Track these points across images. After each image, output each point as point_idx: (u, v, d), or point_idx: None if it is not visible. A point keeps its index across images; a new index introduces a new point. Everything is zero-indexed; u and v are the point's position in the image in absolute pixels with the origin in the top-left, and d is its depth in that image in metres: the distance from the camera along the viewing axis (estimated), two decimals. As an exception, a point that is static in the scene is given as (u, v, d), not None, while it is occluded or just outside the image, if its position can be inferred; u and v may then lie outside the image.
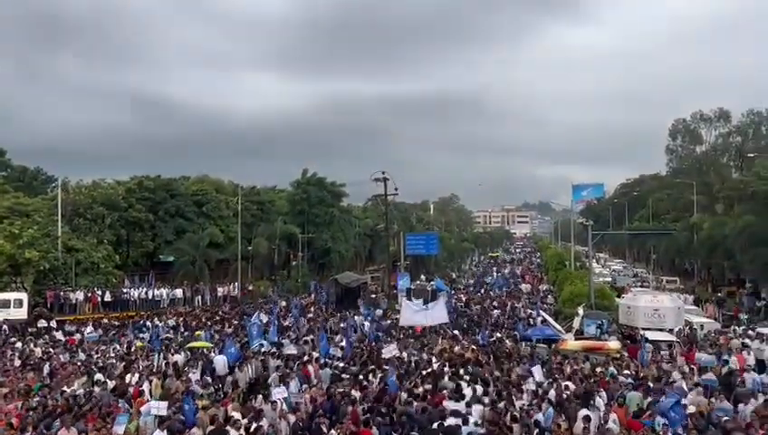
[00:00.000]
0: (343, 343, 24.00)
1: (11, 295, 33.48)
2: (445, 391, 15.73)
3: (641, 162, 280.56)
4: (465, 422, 12.48)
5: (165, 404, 14.37)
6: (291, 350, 22.42)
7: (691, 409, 15.10)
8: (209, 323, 31.90)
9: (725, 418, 14.04)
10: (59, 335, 28.13)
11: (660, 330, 26.50)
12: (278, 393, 15.05)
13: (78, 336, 27.29)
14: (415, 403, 14.56)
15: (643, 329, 26.60)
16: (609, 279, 54.24)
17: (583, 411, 13.85)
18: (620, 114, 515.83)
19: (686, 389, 17.05)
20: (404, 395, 15.52)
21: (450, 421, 12.28)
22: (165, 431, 12.66)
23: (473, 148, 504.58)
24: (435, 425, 11.90)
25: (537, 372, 18.23)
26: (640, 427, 13.54)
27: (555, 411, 13.97)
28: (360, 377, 17.79)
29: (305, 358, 20.71)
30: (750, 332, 27.72)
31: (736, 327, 29.65)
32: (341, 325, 30.53)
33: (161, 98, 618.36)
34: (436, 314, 27.38)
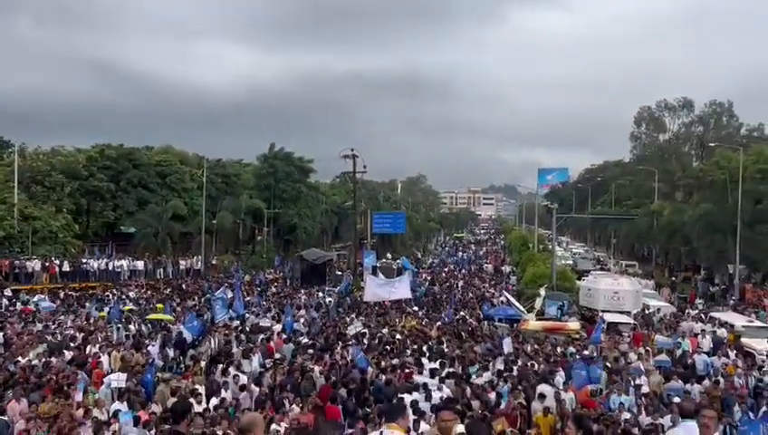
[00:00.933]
0: (304, 319, 24.07)
1: (-37, 263, 32.49)
2: (413, 367, 15.92)
3: (606, 148, 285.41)
4: (429, 398, 12.60)
5: (124, 376, 14.22)
6: (265, 322, 22.37)
7: (645, 389, 15.63)
8: (171, 296, 31.49)
9: (676, 398, 14.52)
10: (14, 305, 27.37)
11: (619, 312, 27.17)
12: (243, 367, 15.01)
13: (33, 306, 26.56)
14: (383, 377, 14.68)
15: (602, 311, 27.25)
16: (571, 262, 55.28)
17: (541, 388, 14.18)
18: (588, 100, 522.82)
19: (642, 369, 17.59)
20: (371, 370, 15.65)
21: (416, 396, 12.38)
22: (125, 403, 12.47)
23: (441, 129, 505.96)
24: (395, 400, 11.97)
25: (507, 344, 18.72)
26: (595, 405, 13.87)
27: (516, 389, 14.21)
28: (324, 352, 17.84)
29: (268, 333, 20.71)
30: (702, 316, 28.70)
31: (691, 311, 30.60)
32: (304, 301, 30.54)
33: (125, 66, 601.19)
34: (400, 290, 27.62)
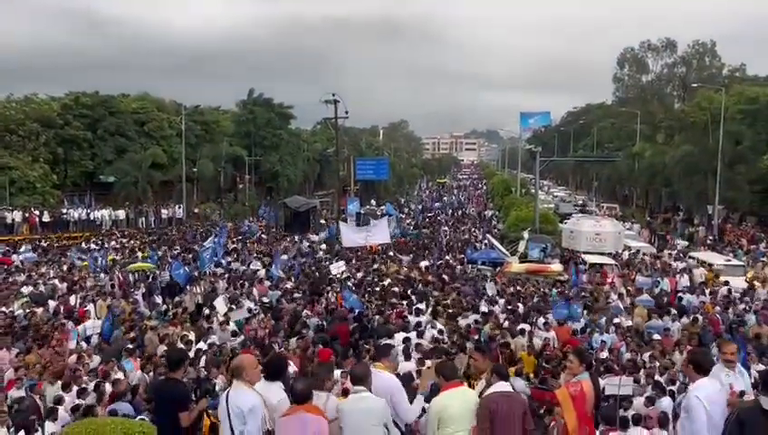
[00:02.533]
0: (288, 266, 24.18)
1: (-61, 215, 31.92)
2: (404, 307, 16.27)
3: (589, 91, 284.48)
4: (421, 336, 12.93)
5: (99, 323, 14.26)
6: (257, 266, 22.38)
7: (627, 323, 16.08)
8: (154, 244, 31.32)
9: (656, 335, 14.94)
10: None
11: (600, 253, 27.60)
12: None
13: (15, 257, 26.28)
14: (377, 317, 14.99)
15: (584, 253, 27.66)
16: (553, 206, 55.77)
17: (522, 327, 14.56)
18: (571, 43, 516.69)
19: (621, 308, 18.02)
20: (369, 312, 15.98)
21: (411, 335, 12.71)
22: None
23: (421, 74, 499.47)
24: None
25: (490, 288, 19.08)
26: (577, 343, 14.21)
27: (500, 329, 14.48)
28: (315, 296, 18.12)
29: (254, 279, 20.81)
30: (681, 255, 29.28)
31: (670, 251, 31.16)
32: (287, 248, 30.59)
33: (94, 12, 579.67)
34: (377, 235, 27.56)
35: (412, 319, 14.83)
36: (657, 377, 11.16)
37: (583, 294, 20.36)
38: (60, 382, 10.35)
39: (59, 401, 9.58)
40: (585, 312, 17.10)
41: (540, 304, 18.05)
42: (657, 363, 12.04)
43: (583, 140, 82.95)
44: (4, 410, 9.06)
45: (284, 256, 26.42)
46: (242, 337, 14.17)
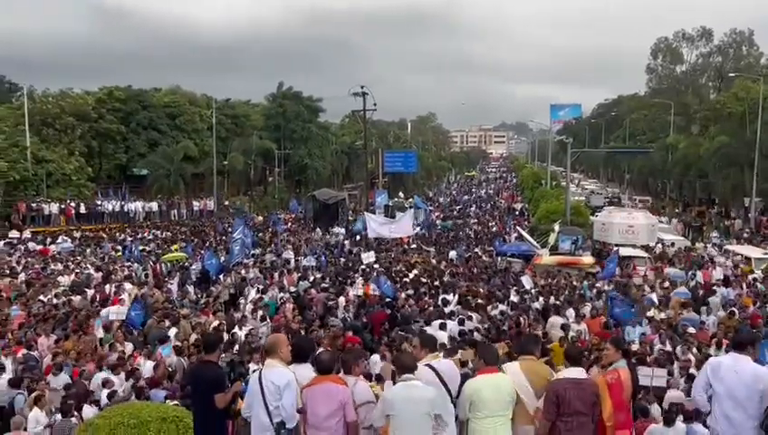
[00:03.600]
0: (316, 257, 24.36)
1: (-21, 205, 32.85)
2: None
3: (620, 83, 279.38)
4: (462, 323, 12.98)
5: (124, 309, 14.50)
6: (289, 255, 22.84)
7: (661, 316, 15.76)
8: (188, 236, 31.84)
9: (691, 329, 14.63)
10: (32, 246, 27.74)
11: (633, 246, 27.15)
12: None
13: (52, 247, 26.93)
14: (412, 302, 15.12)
15: (616, 245, 27.23)
16: (583, 199, 55.01)
17: (553, 320, 14.42)
18: (602, 33, 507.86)
19: (655, 301, 17.68)
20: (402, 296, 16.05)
21: (449, 323, 12.80)
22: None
23: (450, 66, 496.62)
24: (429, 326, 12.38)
25: (527, 281, 19.00)
26: (609, 336, 14.00)
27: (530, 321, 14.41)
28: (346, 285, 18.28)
29: (281, 269, 21.03)
30: (716, 249, 28.66)
31: (705, 244, 30.54)
32: (316, 239, 30.82)
33: (125, 8, 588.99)
34: (401, 228, 27.85)
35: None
36: (691, 370, 10.94)
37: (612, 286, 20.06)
38: (91, 368, 10.60)
39: (105, 383, 9.82)
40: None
41: (572, 296, 17.86)
42: (692, 357, 11.80)
43: (615, 132, 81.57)
44: (44, 394, 9.35)
45: (311, 248, 26.65)
46: (271, 324, 14.38)
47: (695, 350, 12.37)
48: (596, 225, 31.62)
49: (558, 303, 16.78)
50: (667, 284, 20.08)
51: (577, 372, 5.70)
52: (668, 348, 12.73)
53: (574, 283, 20.63)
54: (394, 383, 5.81)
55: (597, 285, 20.19)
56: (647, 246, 28.27)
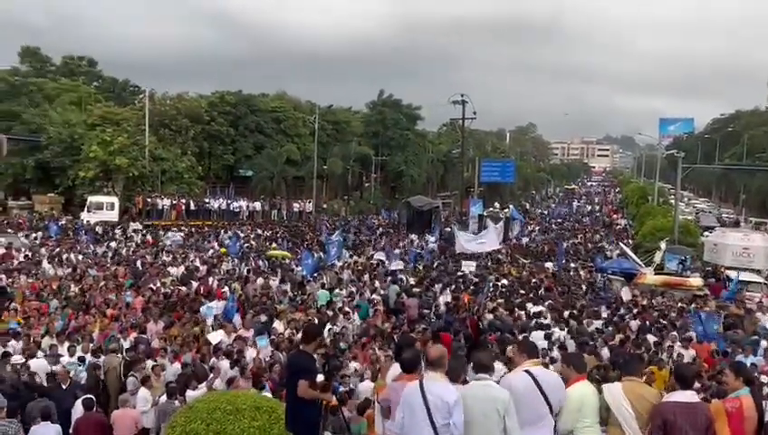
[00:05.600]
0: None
1: (104, 199, 35.69)
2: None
3: (736, 97, 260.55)
4: (548, 337, 12.66)
5: (222, 304, 15.17)
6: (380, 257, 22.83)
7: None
8: (288, 235, 32.99)
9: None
10: (147, 237, 29.70)
11: (748, 270, 25.26)
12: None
13: (165, 241, 28.67)
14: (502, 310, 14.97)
15: (728, 268, 25.48)
16: (692, 218, 51.85)
17: (652, 338, 13.74)
18: (718, 44, 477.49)
19: (770, 329, 16.36)
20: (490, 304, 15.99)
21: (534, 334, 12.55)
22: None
23: (553, 75, 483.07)
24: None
25: (625, 293, 18.84)
26: (718, 362, 13.11)
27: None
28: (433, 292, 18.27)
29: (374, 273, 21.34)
30: None
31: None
32: (406, 245, 30.97)
33: (240, 16, 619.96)
34: (489, 242, 27.44)
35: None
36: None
37: (727, 312, 18.74)
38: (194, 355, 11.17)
39: (211, 369, 10.35)
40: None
41: (678, 319, 16.89)
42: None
43: (731, 149, 76.21)
44: (149, 375, 9.98)
45: (398, 251, 26.83)
46: (362, 324, 14.69)
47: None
48: (707, 245, 29.72)
49: (660, 324, 15.94)
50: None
51: (688, 396, 5.32)
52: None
53: (680, 304, 19.47)
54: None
55: (705, 308, 18.96)
56: (764, 270, 26.23)
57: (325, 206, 51.63)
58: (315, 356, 6.79)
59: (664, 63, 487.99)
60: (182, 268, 21.07)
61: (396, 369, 5.75)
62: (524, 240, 37.40)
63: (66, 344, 11.76)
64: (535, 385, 5.30)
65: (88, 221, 32.48)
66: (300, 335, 9.15)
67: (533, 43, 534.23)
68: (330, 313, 15.53)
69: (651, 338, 14.05)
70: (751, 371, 12.38)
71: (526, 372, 5.43)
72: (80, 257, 22.38)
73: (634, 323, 15.65)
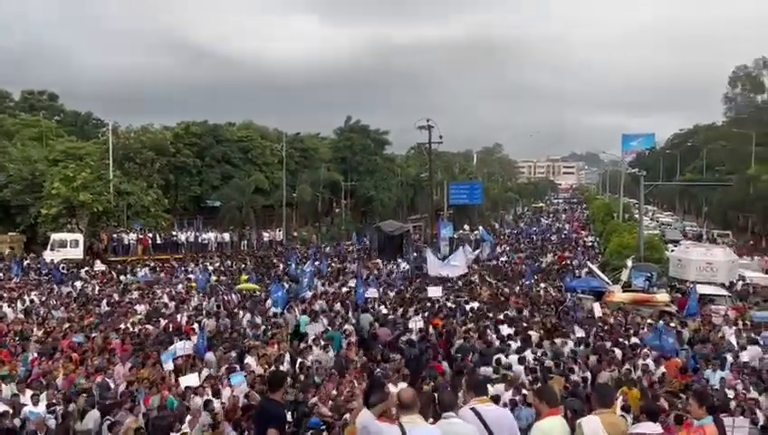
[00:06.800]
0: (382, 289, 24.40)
1: (68, 236, 34.80)
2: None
3: (695, 112, 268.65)
4: (522, 361, 12.75)
5: (191, 344, 14.58)
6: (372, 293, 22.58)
7: (743, 360, 14.88)
8: (256, 266, 32.60)
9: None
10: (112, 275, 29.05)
11: (711, 284, 25.84)
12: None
13: (131, 277, 28.10)
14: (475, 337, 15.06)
15: (693, 282, 25.99)
16: (658, 232, 52.91)
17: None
18: (675, 61, 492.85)
19: (735, 344, 16.68)
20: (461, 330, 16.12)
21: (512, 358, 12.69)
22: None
23: (518, 96, 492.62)
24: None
25: (597, 309, 19.36)
26: (688, 379, 13.32)
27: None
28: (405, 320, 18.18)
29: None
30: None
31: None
32: (378, 272, 30.91)
33: (200, 45, 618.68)
34: (457, 266, 28.27)
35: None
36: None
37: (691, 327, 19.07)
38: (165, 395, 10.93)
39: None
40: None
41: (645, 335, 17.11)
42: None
43: (691, 163, 78.30)
44: (140, 426, 9.66)
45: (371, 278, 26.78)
46: (334, 355, 14.56)
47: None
48: (672, 261, 30.33)
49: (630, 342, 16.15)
50: (749, 325, 18.95)
51: (652, 427, 5.51)
52: (754, 395, 11.98)
53: (649, 321, 19.74)
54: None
55: (672, 324, 19.26)
56: (727, 283, 26.84)
57: (296, 234, 51.37)
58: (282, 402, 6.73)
59: (626, 82, 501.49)
60: (149, 306, 20.66)
61: (366, 414, 5.69)
62: (494, 262, 37.58)
63: (29, 393, 11.37)
64: (480, 423, 5.39)
65: (51, 260, 31.70)
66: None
67: (500, 66, 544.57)
68: (302, 345, 15.36)
69: (619, 353, 14.27)
70: (720, 385, 12.72)
71: (472, 410, 5.53)
72: (42, 299, 21.76)
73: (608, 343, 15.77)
